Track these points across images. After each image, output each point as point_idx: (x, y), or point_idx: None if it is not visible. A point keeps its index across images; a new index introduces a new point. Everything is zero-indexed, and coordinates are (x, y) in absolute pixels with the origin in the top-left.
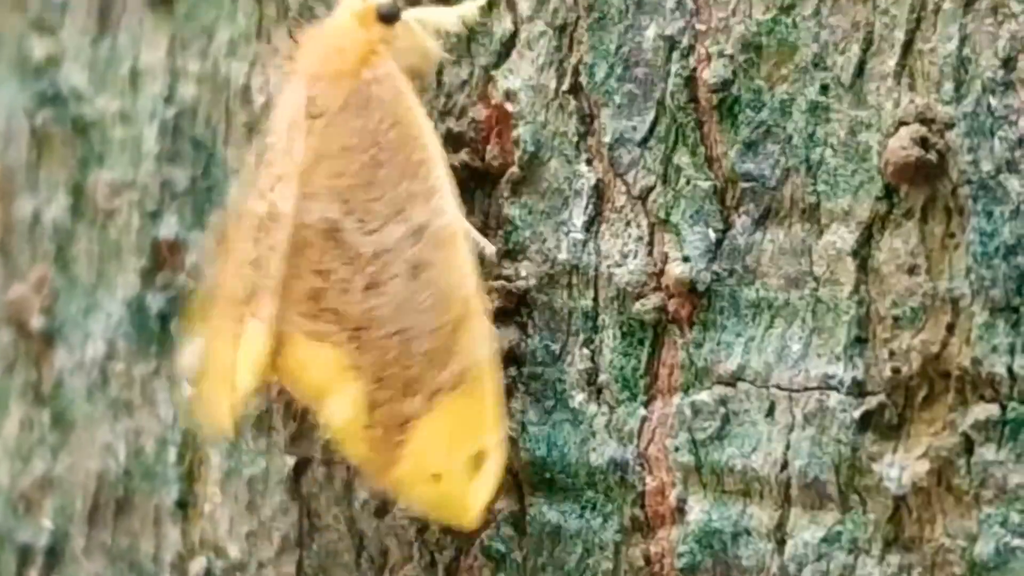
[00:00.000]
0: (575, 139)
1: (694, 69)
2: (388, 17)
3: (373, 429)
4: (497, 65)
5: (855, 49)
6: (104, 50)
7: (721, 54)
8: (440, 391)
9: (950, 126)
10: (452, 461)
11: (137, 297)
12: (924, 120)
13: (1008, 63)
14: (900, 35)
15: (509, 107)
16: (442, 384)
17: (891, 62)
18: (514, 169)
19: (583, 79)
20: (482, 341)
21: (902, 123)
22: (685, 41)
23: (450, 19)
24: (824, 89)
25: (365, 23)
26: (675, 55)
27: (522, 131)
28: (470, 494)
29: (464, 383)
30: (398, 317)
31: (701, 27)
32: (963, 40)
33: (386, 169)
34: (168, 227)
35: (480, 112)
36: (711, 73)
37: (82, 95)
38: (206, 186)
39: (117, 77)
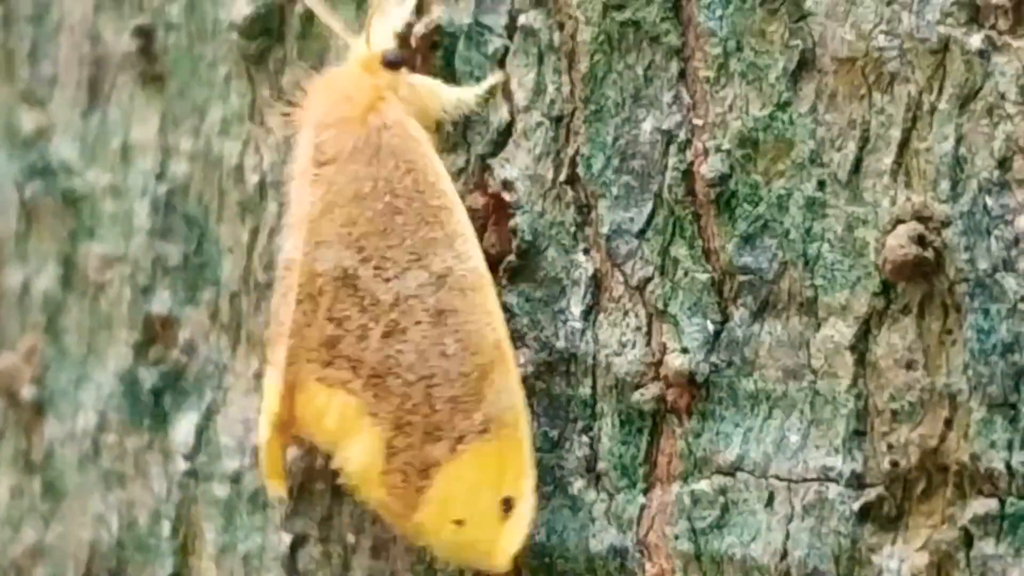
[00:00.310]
0: (573, 229)
1: (691, 163)
2: (394, 63)
3: (392, 475)
4: (494, 154)
5: (852, 146)
6: (94, 124)
7: (718, 149)
8: (466, 437)
9: (946, 224)
10: (478, 507)
11: (130, 370)
12: (921, 218)
13: (1004, 164)
14: (896, 134)
15: (506, 196)
16: (468, 430)
17: (887, 160)
18: (512, 257)
19: (580, 170)
20: (513, 386)
21: (899, 220)
22: (682, 135)
23: (449, 97)
24: (821, 185)
25: (371, 69)
26: (672, 148)
27: (520, 220)
28: (501, 538)
29: (493, 429)
30: (421, 364)
31: (698, 122)
32: (959, 140)
33: (403, 216)
34: (161, 302)
35: (477, 201)
36: (708, 167)
37: (72, 168)
38: (199, 263)
39: (108, 151)
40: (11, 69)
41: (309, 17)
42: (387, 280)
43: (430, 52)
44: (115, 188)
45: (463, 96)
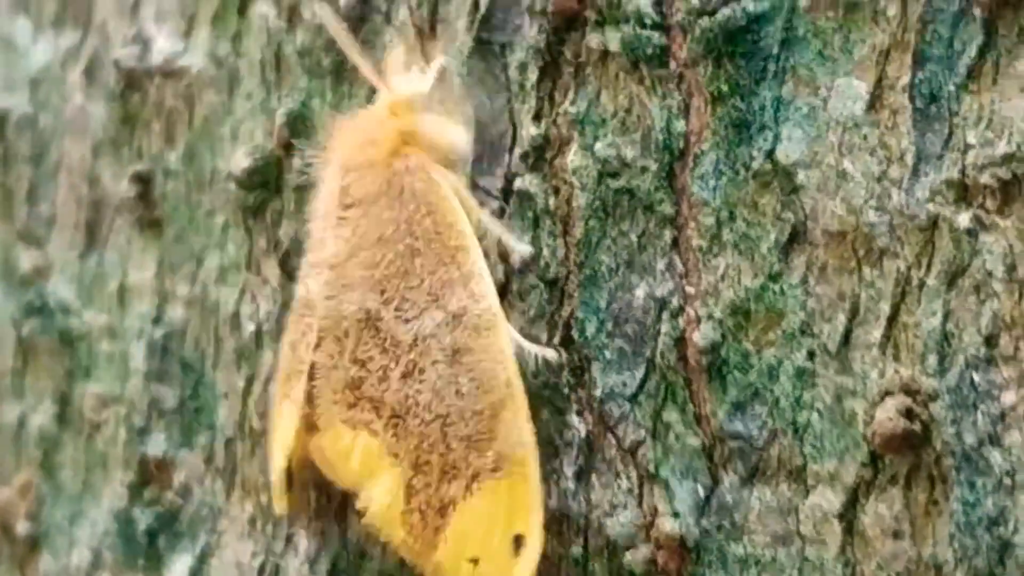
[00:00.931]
0: (566, 391)
1: (684, 330)
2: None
3: (411, 514)
4: None
5: (841, 318)
6: (92, 265)
7: (710, 317)
8: (480, 475)
9: (934, 398)
10: (491, 544)
11: (125, 510)
12: (909, 391)
13: (990, 340)
14: (885, 307)
15: None
16: (482, 468)
17: (876, 333)
18: None
19: (574, 333)
20: (523, 424)
21: (887, 393)
22: (675, 302)
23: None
24: (811, 355)
25: (398, 113)
26: (665, 315)
27: None
28: (513, 574)
29: (504, 467)
30: (437, 403)
31: (691, 289)
32: (947, 316)
33: (423, 257)
34: (156, 444)
35: None
36: (701, 335)
37: (69, 308)
38: (195, 407)
39: (105, 293)
40: (10, 208)
41: (307, 169)
42: (407, 321)
43: None
44: (112, 329)
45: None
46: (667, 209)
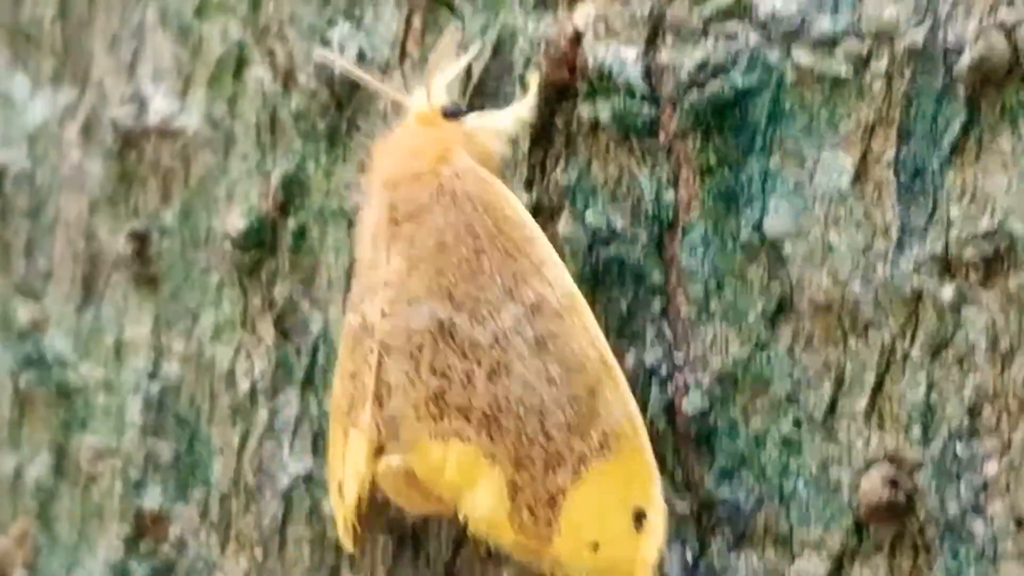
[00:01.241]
0: None
1: (673, 397)
2: (453, 114)
3: (520, 512)
4: None
5: (827, 388)
6: (88, 319)
7: (699, 385)
8: (586, 458)
9: (918, 468)
10: (610, 526)
11: (120, 562)
12: (893, 460)
13: (973, 411)
14: (870, 378)
15: None
16: (587, 451)
17: (862, 403)
18: None
19: None
20: (625, 396)
21: (872, 462)
22: (664, 370)
23: (506, 123)
24: (797, 424)
25: (433, 123)
26: (654, 382)
27: None
28: (639, 553)
29: (612, 444)
30: (529, 396)
31: (680, 358)
32: (930, 387)
33: (488, 255)
34: (152, 498)
35: None
36: (689, 403)
37: (66, 361)
38: (190, 462)
39: (101, 347)
40: (7, 262)
41: (301, 232)
42: (483, 321)
43: None
44: (108, 383)
45: (519, 113)
46: (656, 278)
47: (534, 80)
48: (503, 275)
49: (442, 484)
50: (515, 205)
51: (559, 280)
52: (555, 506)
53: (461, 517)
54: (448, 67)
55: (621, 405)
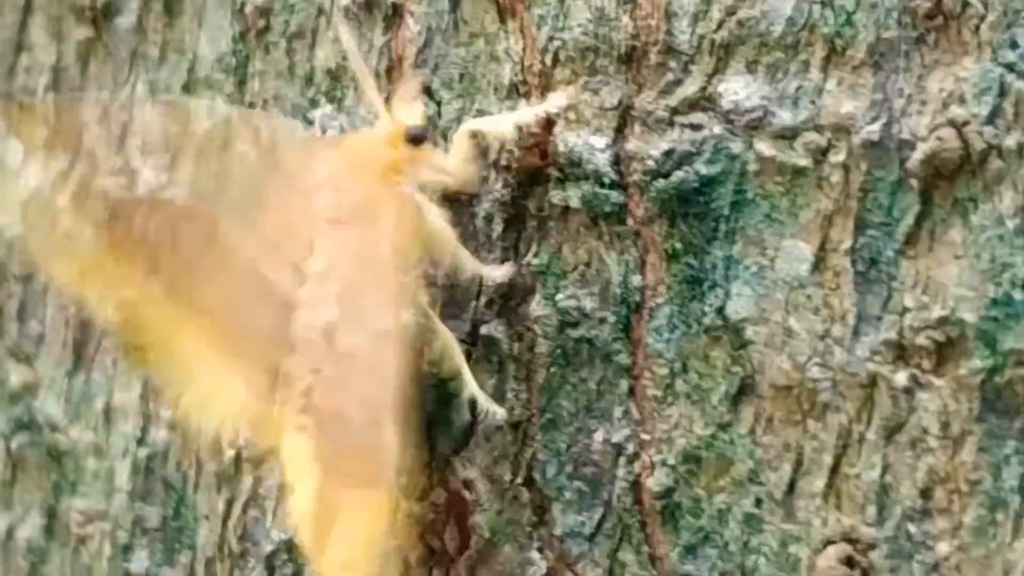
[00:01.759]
0: (528, 528)
1: (639, 475)
2: (417, 139)
3: (316, 520)
4: (456, 452)
5: (787, 468)
6: (79, 384)
7: (664, 463)
8: (360, 484)
9: (873, 547)
10: (357, 555)
11: None
12: (849, 540)
13: (926, 493)
14: (828, 459)
15: (466, 495)
16: (366, 476)
17: (820, 483)
18: (471, 552)
19: (536, 474)
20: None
21: (829, 541)
22: (631, 448)
23: (506, 126)
24: (758, 502)
25: (393, 143)
26: (622, 460)
27: (479, 518)
28: None
29: (380, 478)
30: (347, 411)
31: (646, 436)
32: (885, 469)
33: (367, 280)
34: (139, 561)
35: (440, 496)
36: (655, 480)
37: (57, 425)
38: (176, 527)
39: (91, 411)
40: (0, 325)
41: None
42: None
43: None
44: (98, 447)
45: (521, 119)
46: (624, 359)
47: (557, 99)
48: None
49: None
50: (407, 252)
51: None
52: (333, 522)
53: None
54: (413, 95)
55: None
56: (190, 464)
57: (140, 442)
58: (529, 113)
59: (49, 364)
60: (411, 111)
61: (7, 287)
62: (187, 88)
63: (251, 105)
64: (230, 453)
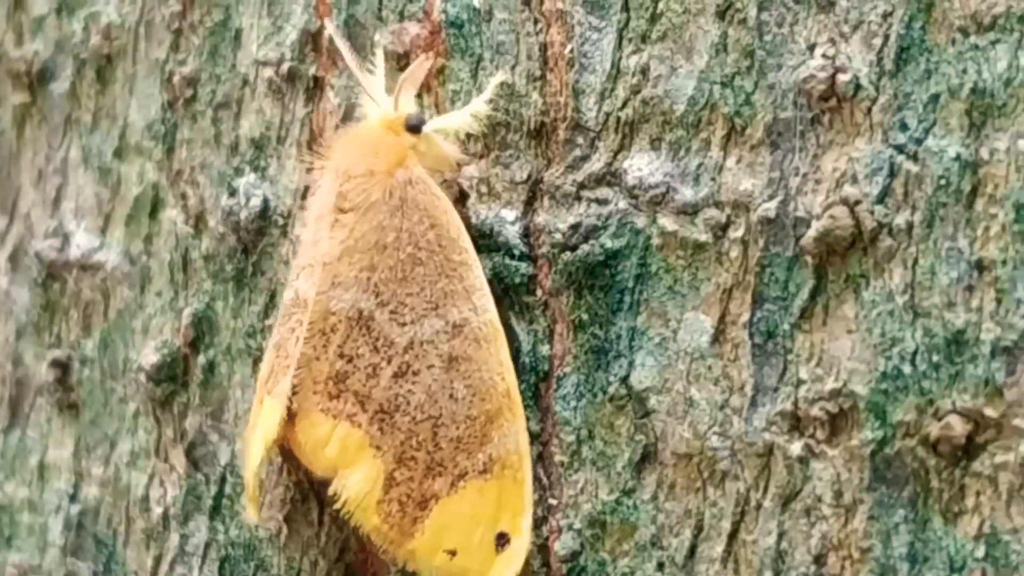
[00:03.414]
0: None
1: (547, 539)
2: (416, 127)
3: (389, 504)
4: None
5: (687, 533)
6: (13, 441)
7: (571, 527)
8: (467, 474)
9: None
10: (472, 539)
11: None
12: None
13: (819, 559)
14: (727, 525)
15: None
16: (470, 468)
17: (719, 548)
18: None
19: None
20: (521, 432)
21: None
22: (539, 512)
23: (464, 120)
24: (660, 566)
25: (395, 131)
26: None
27: None
28: (492, 570)
29: (495, 469)
30: (430, 405)
31: (553, 502)
32: (781, 535)
33: (424, 267)
34: None
35: None
36: (561, 544)
37: None
38: None
39: (26, 467)
40: None
41: (210, 367)
42: (403, 324)
43: None
44: (32, 503)
45: (475, 109)
46: (533, 426)
47: (495, 81)
48: (433, 289)
49: (319, 457)
50: (460, 228)
51: (485, 309)
52: (425, 508)
53: (331, 491)
54: (415, 85)
55: (515, 438)
56: (120, 520)
57: (72, 498)
58: (479, 103)
59: None
60: (408, 100)
61: None
62: (118, 154)
63: (179, 173)
64: (158, 511)
